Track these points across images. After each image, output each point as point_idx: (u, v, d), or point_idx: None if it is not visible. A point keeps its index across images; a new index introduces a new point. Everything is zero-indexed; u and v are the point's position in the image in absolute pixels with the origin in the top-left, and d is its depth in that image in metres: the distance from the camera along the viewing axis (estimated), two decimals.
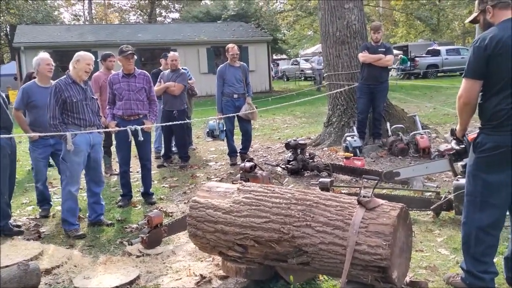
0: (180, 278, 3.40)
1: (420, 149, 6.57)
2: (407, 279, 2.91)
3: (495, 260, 2.95)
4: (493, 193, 2.75)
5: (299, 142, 6.39)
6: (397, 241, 2.60)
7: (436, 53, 25.73)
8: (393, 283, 2.56)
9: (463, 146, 3.30)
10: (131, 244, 3.88)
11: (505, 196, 2.76)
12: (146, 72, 5.61)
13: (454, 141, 3.39)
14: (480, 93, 2.78)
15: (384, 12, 32.94)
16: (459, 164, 4.44)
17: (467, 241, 2.88)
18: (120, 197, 5.54)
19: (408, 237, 2.78)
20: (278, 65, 36.99)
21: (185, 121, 6.96)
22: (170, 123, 6.29)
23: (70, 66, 4.55)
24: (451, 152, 3.78)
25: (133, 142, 5.33)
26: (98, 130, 4.72)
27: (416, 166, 5.32)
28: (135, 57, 5.40)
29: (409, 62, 25.70)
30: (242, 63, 7.33)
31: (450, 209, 4.17)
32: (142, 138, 5.09)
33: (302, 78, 30.30)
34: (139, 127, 5.02)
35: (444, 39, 33.79)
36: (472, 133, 2.96)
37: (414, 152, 6.71)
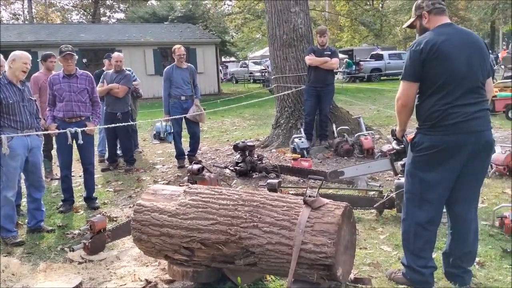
0: (125, 284, 3.31)
1: (364, 150, 6.79)
2: (352, 276, 2.98)
3: (434, 255, 3.08)
4: (430, 190, 2.86)
5: (248, 144, 6.40)
6: (342, 239, 2.66)
7: (380, 57, 26.75)
8: (337, 280, 2.62)
9: (403, 146, 3.43)
10: (73, 250, 3.74)
11: (441, 193, 2.88)
12: (89, 73, 5.43)
13: (394, 141, 3.52)
14: (417, 95, 2.89)
15: (329, 16, 33.86)
16: (399, 163, 4.63)
17: (407, 237, 2.99)
18: (61, 202, 5.32)
19: (352, 235, 2.85)
20: (227, 67, 37.00)
21: (129, 123, 6.80)
22: (114, 125, 6.13)
23: (6, 66, 4.36)
24: (392, 152, 3.92)
25: (75, 146, 5.14)
26: (36, 133, 4.51)
27: (359, 165, 5.50)
28: (76, 57, 5.22)
29: (354, 66, 26.54)
30: (189, 64, 7.25)
31: (392, 207, 4.32)
32: (81, 141, 4.93)
33: (251, 81, 30.47)
34: (79, 129, 4.85)
35: (386, 44, 35.08)
36: (411, 133, 3.07)
37: (358, 153, 6.91)
